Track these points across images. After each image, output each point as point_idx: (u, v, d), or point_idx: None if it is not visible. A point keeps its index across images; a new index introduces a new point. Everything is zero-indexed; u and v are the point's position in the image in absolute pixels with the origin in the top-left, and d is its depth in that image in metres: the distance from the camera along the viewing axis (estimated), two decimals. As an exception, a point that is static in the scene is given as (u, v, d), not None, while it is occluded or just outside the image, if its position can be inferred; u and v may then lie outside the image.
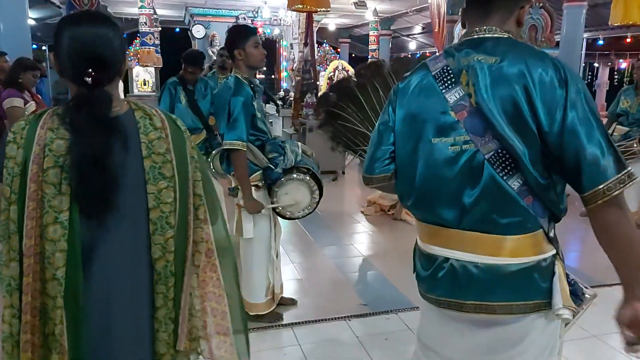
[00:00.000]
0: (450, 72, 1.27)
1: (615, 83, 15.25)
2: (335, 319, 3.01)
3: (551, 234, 1.27)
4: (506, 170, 1.19)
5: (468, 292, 1.28)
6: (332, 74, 13.04)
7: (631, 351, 1.20)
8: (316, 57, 14.47)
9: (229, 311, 1.30)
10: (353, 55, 21.60)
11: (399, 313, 3.06)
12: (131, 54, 12.20)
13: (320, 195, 2.73)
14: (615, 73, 16.03)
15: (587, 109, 1.14)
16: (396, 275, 3.57)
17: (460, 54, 1.27)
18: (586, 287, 1.32)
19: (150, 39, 10.55)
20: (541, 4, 8.47)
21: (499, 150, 1.19)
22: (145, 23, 10.40)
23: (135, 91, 14.81)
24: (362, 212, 5.41)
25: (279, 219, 2.87)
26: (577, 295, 1.31)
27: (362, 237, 4.76)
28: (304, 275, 3.75)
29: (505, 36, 1.27)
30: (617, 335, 1.28)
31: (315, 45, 13.60)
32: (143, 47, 10.60)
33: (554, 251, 1.27)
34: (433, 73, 1.31)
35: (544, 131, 1.15)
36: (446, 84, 1.27)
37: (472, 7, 1.33)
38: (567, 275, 1.30)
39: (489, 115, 1.19)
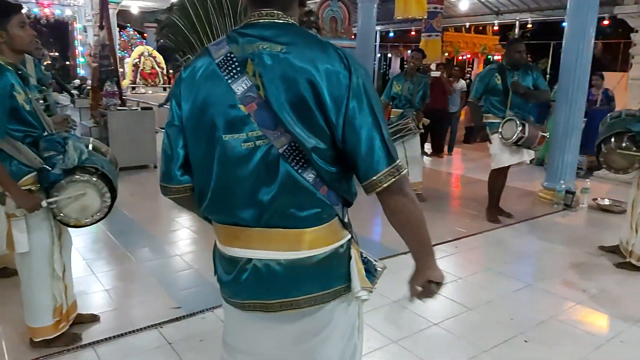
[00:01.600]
0: (234, 60, 1.17)
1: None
2: (144, 328, 2.76)
3: (345, 220, 1.28)
4: (300, 164, 1.16)
5: (273, 291, 1.24)
6: (137, 60, 12.16)
7: (420, 298, 1.34)
8: (119, 42, 13.32)
9: None
10: (161, 41, 20.48)
11: (215, 310, 2.94)
12: None
13: (113, 198, 2.43)
14: (405, 63, 18.08)
15: (366, 101, 1.15)
16: (212, 271, 3.44)
17: (244, 40, 1.18)
18: (376, 261, 1.37)
19: None
20: (339, -3, 9.04)
21: (292, 144, 1.14)
22: None
23: None
24: None
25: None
26: (370, 272, 1.36)
27: (178, 235, 4.49)
28: (110, 286, 3.38)
29: (290, 22, 1.21)
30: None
31: (116, 29, 12.49)
32: None
33: (349, 236, 1.29)
34: (217, 61, 1.19)
35: (332, 124, 1.13)
36: (232, 74, 1.17)
37: None
38: (361, 254, 1.33)
39: (277, 109, 1.12)
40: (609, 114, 4.11)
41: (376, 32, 13.18)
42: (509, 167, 4.92)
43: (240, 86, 1.16)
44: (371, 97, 1.16)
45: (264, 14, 1.20)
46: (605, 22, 10.32)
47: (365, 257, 1.36)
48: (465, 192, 6.65)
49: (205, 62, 1.21)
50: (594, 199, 5.67)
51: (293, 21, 1.22)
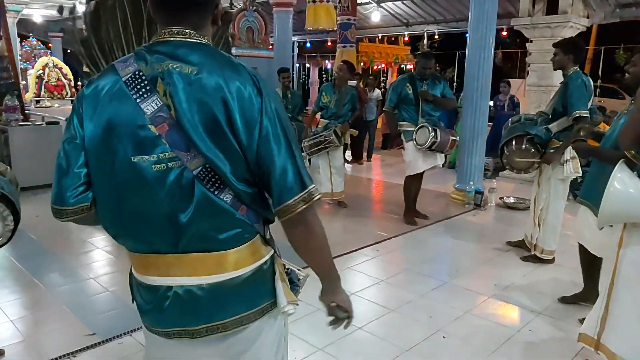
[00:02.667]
0: (143, 78, 1.12)
1: (324, 81, 17.54)
2: (55, 359, 2.58)
3: (267, 236, 1.27)
4: (217, 185, 1.13)
5: (198, 316, 1.20)
6: (41, 71, 11.38)
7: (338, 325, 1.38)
8: (20, 52, 12.41)
9: None
10: (69, 51, 19.34)
11: (133, 334, 2.81)
12: None
13: (17, 221, 2.25)
14: (323, 73, 18.41)
15: (279, 126, 1.14)
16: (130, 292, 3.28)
17: (153, 58, 1.13)
18: (299, 270, 1.39)
19: None
20: (254, 8, 9.05)
21: (206, 165, 1.11)
22: None
23: None
24: None
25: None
26: (294, 282, 1.37)
27: (91, 257, 4.23)
28: (16, 316, 3.12)
29: (203, 42, 1.18)
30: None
31: (17, 39, 11.64)
32: None
33: (272, 251, 1.29)
34: (124, 79, 1.13)
35: (244, 146, 1.11)
36: (140, 93, 1.12)
37: (161, 3, 1.18)
38: (284, 266, 1.34)
39: (189, 131, 1.09)
40: (510, 119, 4.42)
41: (293, 42, 13.33)
42: (423, 171, 5.16)
43: (150, 106, 1.11)
44: (284, 122, 1.16)
45: (174, 32, 1.16)
46: (504, 33, 11.19)
47: (289, 268, 1.37)
48: (385, 197, 6.87)
49: (111, 80, 1.16)
50: (501, 198, 6.08)
51: (206, 41, 1.19)
